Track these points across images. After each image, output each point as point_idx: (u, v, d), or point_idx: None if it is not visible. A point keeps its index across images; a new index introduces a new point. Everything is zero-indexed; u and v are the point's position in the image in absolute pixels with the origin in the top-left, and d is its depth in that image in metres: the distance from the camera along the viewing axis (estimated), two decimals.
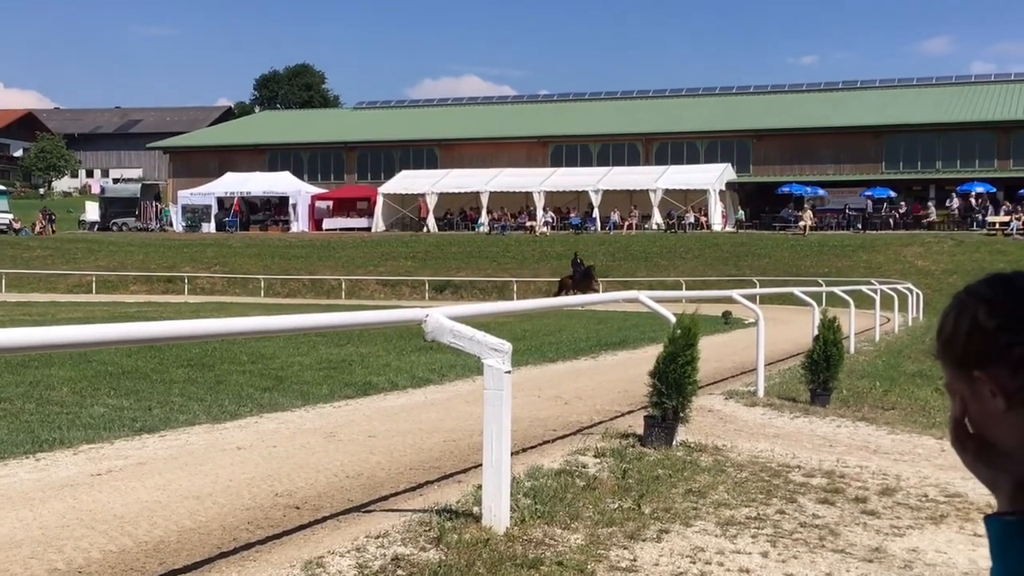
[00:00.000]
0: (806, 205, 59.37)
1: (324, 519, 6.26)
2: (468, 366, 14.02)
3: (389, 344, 18.48)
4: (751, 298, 14.63)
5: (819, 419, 11.03)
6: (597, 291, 31.15)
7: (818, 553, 5.75)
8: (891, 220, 57.93)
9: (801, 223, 57.01)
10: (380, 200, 66.50)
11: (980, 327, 1.51)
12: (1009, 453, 1.55)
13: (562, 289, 39.69)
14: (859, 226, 57.98)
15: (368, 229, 65.59)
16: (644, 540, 5.82)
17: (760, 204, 63.02)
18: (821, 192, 61.72)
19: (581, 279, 39.32)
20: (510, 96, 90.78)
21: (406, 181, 67.93)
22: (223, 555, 5.45)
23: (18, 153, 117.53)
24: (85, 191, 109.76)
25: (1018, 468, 1.57)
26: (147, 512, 6.33)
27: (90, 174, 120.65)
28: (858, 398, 12.53)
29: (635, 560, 5.45)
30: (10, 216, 70.17)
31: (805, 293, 17.39)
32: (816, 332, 12.54)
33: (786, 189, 61.06)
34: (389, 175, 70.70)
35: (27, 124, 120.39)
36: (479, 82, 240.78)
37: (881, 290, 25.55)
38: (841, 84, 77.24)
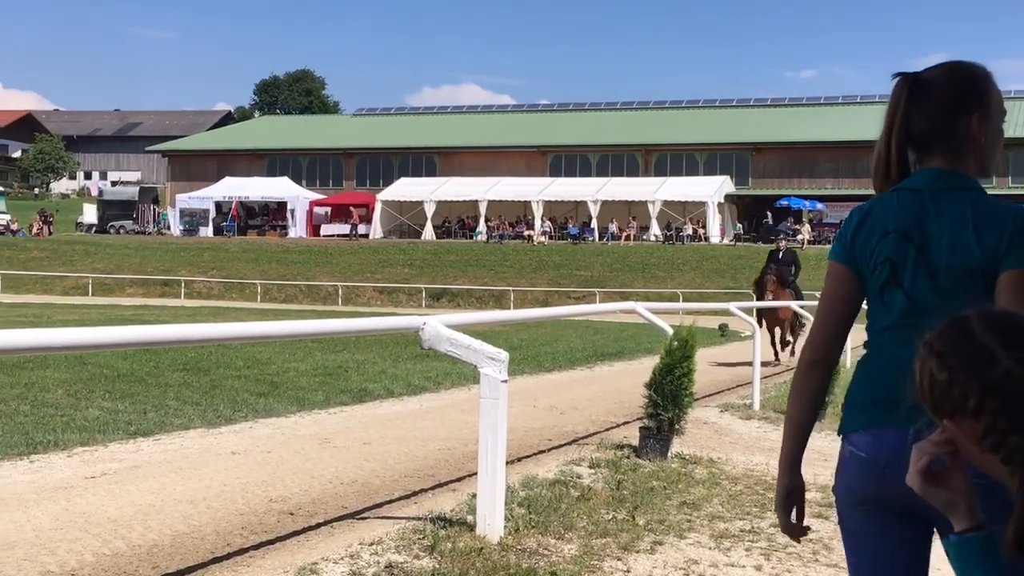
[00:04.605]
0: (804, 219, 59.41)
1: (318, 525, 6.25)
2: (463, 374, 14.01)
3: (385, 351, 18.46)
4: (748, 311, 14.65)
5: (814, 433, 10.99)
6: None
7: (812, 567, 5.75)
8: None
9: (800, 237, 57.07)
10: (378, 207, 66.54)
11: (936, 381, 1.54)
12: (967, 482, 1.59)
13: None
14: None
15: (366, 236, 65.61)
16: (638, 551, 5.82)
17: (758, 217, 63.05)
18: (820, 206, 61.77)
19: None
20: (510, 105, 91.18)
21: (405, 188, 67.99)
22: (217, 560, 5.44)
23: (16, 154, 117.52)
24: (83, 193, 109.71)
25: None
26: (141, 516, 6.32)
27: (88, 176, 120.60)
28: None
29: (629, 571, 5.44)
30: (7, 217, 70.19)
31: (802, 307, 17.40)
32: None
33: (784, 202, 61.11)
34: (388, 182, 70.77)
35: (26, 125, 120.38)
36: (479, 90, 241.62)
37: None
38: (841, 98, 77.32)
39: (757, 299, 19.07)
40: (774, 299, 18.28)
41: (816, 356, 2.66)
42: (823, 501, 7.45)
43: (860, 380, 2.63)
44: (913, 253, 2.48)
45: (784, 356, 19.24)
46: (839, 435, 2.67)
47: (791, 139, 66.62)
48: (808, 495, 8.23)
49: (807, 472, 8.79)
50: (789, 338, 19.44)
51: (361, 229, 66.48)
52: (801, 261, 21.24)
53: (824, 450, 10.05)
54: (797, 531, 2.67)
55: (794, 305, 17.51)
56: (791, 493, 2.67)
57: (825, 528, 6.67)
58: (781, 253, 20.32)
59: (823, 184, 64.58)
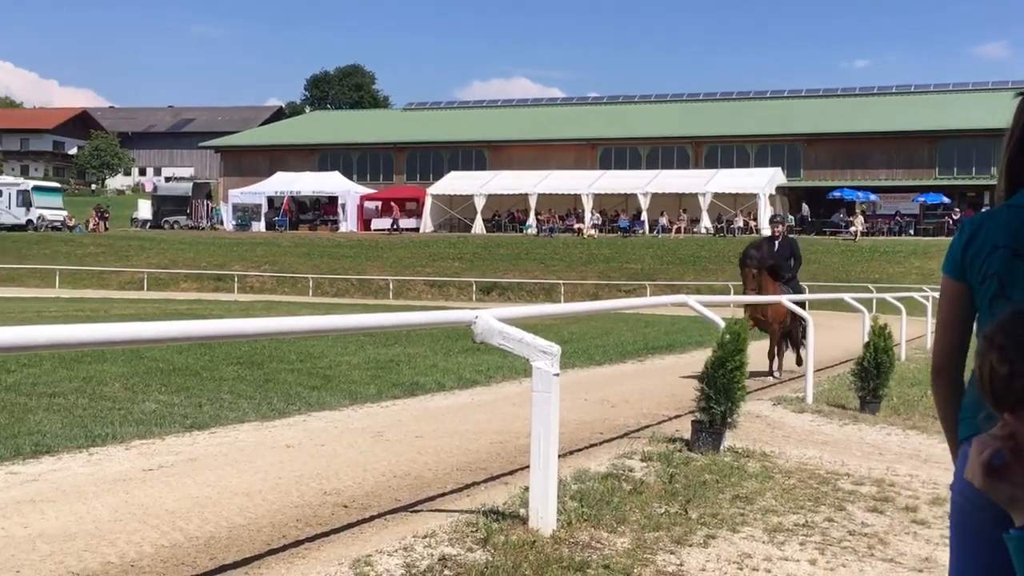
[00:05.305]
0: (858, 210, 58.84)
1: (372, 518, 6.29)
2: (514, 367, 14.04)
3: (436, 345, 18.54)
4: (801, 304, 14.52)
5: (868, 427, 10.92)
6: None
7: (867, 562, 5.70)
8: (945, 226, 57.29)
9: (853, 228, 56.51)
10: (429, 201, 66.78)
11: (997, 374, 1.53)
12: None
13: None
14: (911, 232, 57.46)
15: (416, 230, 65.89)
16: (691, 545, 5.80)
17: (811, 209, 62.50)
18: (873, 197, 61.12)
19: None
20: (559, 98, 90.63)
21: (455, 182, 68.19)
22: (272, 551, 5.49)
23: (73, 151, 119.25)
24: (138, 189, 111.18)
25: None
26: (198, 508, 6.40)
27: (143, 172, 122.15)
28: (909, 406, 12.39)
29: (682, 565, 5.43)
30: (64, 213, 71.25)
31: (855, 299, 17.23)
32: (866, 339, 12.43)
33: (837, 194, 60.53)
34: (438, 176, 71.01)
35: (82, 122, 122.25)
36: (528, 84, 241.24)
37: (933, 297, 25.27)
38: (895, 88, 76.44)
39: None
40: (759, 295, 14.48)
41: (938, 364, 2.79)
42: (878, 495, 7.39)
43: (973, 391, 2.70)
44: (1022, 268, 2.54)
45: (775, 367, 15.75)
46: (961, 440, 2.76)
47: (844, 130, 65.98)
48: (862, 488, 8.13)
49: (862, 465, 8.65)
50: (781, 346, 15.83)
51: (411, 223, 66.79)
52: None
53: (878, 443, 9.97)
54: None
55: (794, 307, 13.84)
56: None
57: (880, 523, 6.62)
58: (777, 242, 15.79)
59: (876, 175, 63.90)
